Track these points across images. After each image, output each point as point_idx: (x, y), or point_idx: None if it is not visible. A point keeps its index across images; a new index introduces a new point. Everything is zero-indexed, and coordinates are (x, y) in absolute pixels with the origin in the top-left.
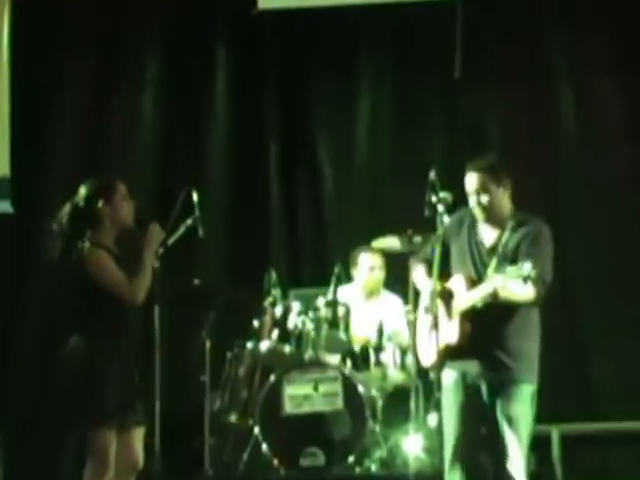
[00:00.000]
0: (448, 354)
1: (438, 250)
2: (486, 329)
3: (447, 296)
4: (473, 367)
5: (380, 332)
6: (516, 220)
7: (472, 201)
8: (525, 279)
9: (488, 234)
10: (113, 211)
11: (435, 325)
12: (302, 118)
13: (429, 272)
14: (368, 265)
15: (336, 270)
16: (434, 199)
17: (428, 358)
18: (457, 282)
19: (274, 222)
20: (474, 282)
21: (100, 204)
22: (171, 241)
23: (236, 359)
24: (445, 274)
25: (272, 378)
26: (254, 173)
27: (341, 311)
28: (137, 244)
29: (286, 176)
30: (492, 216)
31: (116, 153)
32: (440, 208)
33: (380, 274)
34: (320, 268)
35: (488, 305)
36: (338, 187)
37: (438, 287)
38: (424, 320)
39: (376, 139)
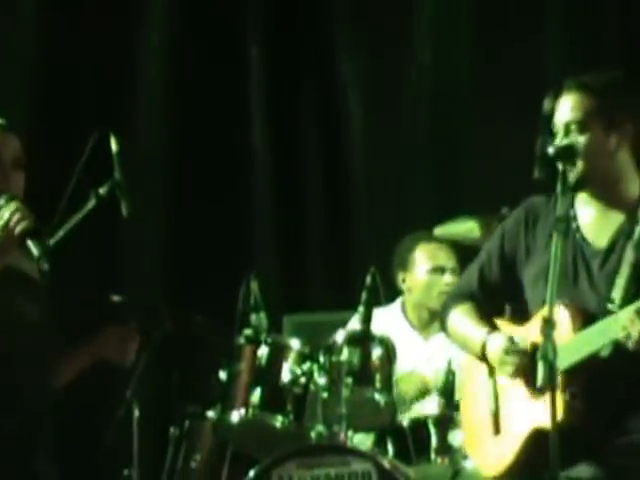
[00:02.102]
0: (539, 451)
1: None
2: (618, 398)
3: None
4: (588, 471)
5: (448, 393)
6: None
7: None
8: None
9: (595, 222)
10: None
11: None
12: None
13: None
14: (430, 265)
15: (368, 280)
16: (551, 149)
17: (499, 460)
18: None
19: (258, 196)
20: (587, 316)
21: None
22: (69, 225)
23: (188, 439)
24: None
25: (252, 474)
26: (222, 109)
27: (377, 352)
28: None
29: (279, 117)
30: (594, 182)
31: None
32: (562, 166)
33: (451, 281)
34: (338, 278)
35: (620, 354)
36: (374, 136)
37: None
38: (495, 392)
39: (444, 51)
